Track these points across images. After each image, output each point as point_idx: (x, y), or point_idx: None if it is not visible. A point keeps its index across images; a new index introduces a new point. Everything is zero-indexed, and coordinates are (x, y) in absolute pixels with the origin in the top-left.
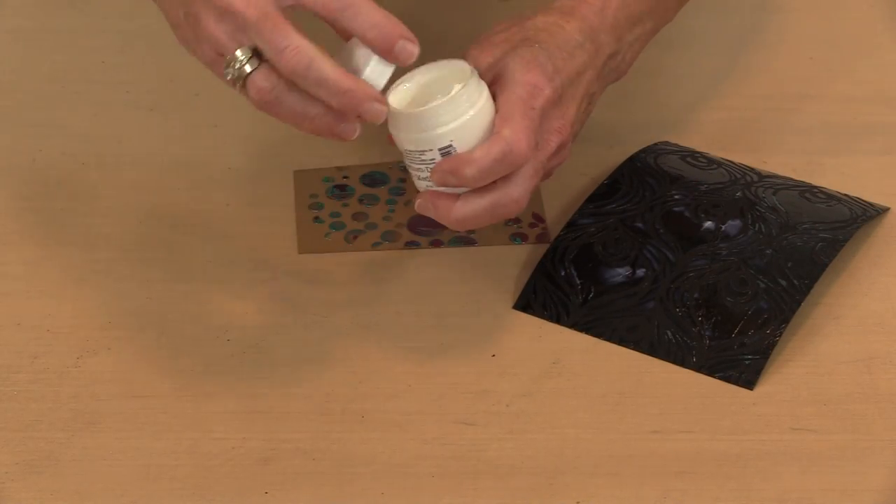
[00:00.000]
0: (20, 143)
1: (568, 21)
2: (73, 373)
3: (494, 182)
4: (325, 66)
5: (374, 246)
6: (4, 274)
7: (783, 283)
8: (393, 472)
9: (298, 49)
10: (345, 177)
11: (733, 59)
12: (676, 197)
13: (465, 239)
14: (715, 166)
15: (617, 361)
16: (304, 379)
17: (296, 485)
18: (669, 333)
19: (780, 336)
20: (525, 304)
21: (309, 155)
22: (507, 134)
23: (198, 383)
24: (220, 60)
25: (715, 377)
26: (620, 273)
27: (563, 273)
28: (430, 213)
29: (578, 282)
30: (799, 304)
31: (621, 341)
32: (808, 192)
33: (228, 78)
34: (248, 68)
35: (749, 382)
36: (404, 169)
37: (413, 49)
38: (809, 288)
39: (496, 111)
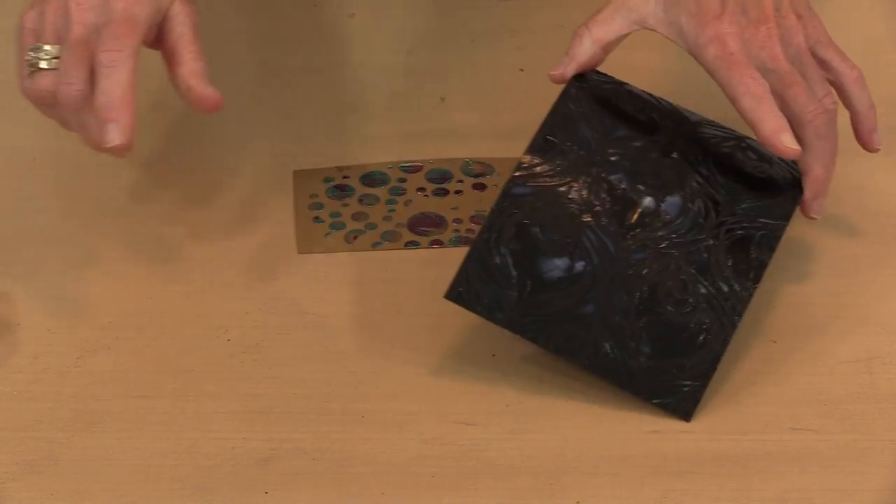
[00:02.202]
0: (20, 143)
1: None
2: (73, 373)
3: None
4: (91, 118)
5: (375, 246)
6: (5, 273)
7: (725, 287)
8: (393, 472)
9: (75, 91)
10: (345, 177)
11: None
12: (613, 159)
13: (464, 239)
14: (647, 111)
15: None
16: (304, 379)
17: (296, 485)
18: (608, 346)
19: (718, 362)
20: (457, 294)
21: (309, 155)
22: (748, 113)
23: (198, 383)
24: (33, 35)
25: (652, 403)
26: (559, 266)
27: (497, 260)
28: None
29: (514, 273)
30: (740, 317)
31: (557, 351)
32: (740, 150)
33: (26, 58)
34: (44, 65)
35: (686, 413)
36: (404, 169)
37: (114, 139)
38: (750, 297)
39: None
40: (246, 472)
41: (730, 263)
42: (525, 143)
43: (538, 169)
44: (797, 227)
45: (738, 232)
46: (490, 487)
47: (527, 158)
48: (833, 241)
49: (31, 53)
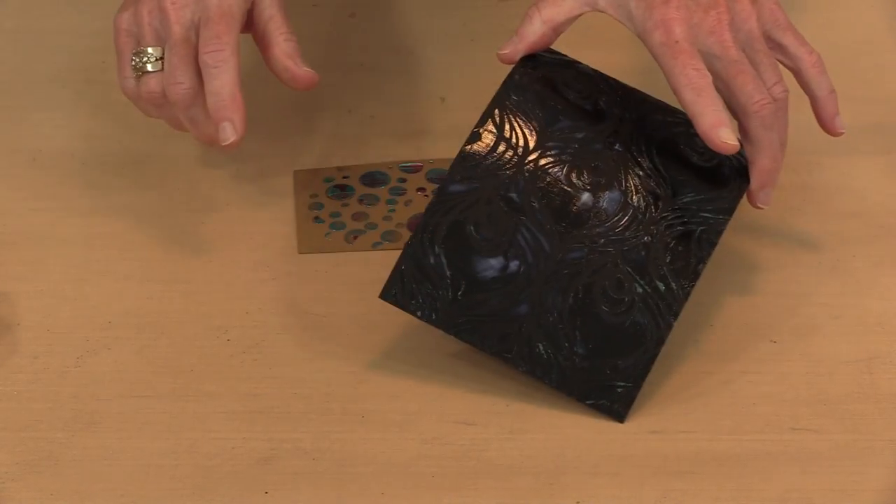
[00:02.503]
0: (20, 143)
1: None
2: (73, 373)
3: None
4: (201, 113)
5: (375, 246)
6: (4, 274)
7: (661, 286)
8: (393, 472)
9: (186, 89)
10: (345, 177)
11: None
12: (553, 152)
13: None
14: (594, 96)
15: None
16: (304, 379)
17: (296, 485)
18: (541, 347)
19: (653, 363)
20: (392, 294)
21: (309, 155)
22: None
23: (198, 383)
24: (130, 36)
25: (586, 404)
26: (493, 266)
27: (432, 260)
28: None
29: (448, 273)
30: (676, 317)
31: (494, 353)
32: (688, 137)
33: (132, 63)
34: (150, 68)
35: (620, 414)
36: (404, 169)
37: (228, 136)
38: (688, 296)
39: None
40: (246, 472)
41: (668, 261)
42: None
43: (474, 163)
44: (797, 228)
45: (678, 228)
46: (490, 487)
47: (465, 152)
48: (832, 242)
49: (136, 58)
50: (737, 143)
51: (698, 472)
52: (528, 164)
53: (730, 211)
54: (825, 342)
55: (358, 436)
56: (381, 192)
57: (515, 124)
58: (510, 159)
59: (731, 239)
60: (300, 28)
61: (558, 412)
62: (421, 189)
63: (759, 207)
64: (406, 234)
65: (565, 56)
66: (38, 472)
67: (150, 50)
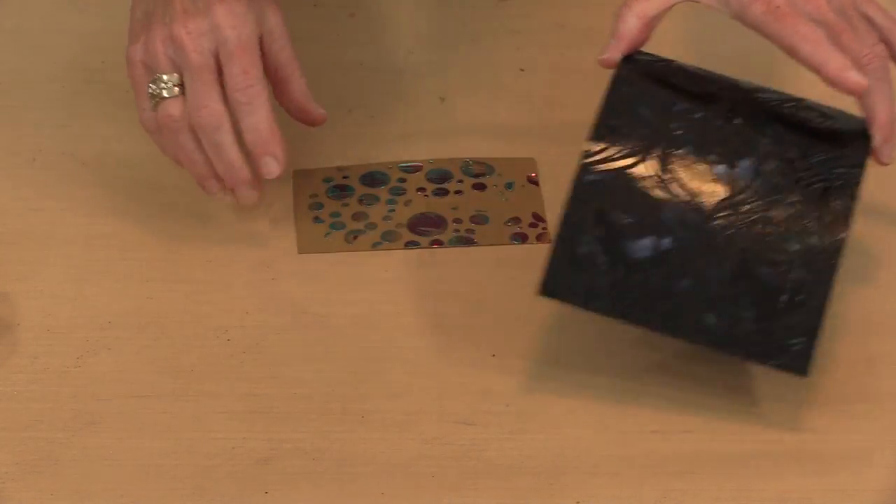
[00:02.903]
0: (20, 143)
1: None
2: (73, 373)
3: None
4: (227, 137)
5: (375, 246)
6: (4, 274)
7: (815, 240)
8: (393, 472)
9: (214, 112)
10: (345, 177)
11: (733, 58)
12: (677, 133)
13: (464, 239)
14: (701, 83)
15: (617, 361)
16: (304, 379)
17: (296, 485)
18: (710, 318)
19: (822, 315)
20: (549, 290)
21: (309, 155)
22: (807, 59)
23: (198, 383)
24: (144, 67)
25: (768, 365)
26: (646, 246)
27: (583, 250)
28: None
29: (603, 259)
30: (836, 268)
31: (659, 330)
32: (801, 110)
33: (149, 91)
34: (175, 91)
35: (802, 370)
36: (404, 169)
37: (274, 169)
38: (843, 246)
39: None
40: (246, 472)
41: (816, 216)
42: (525, 142)
43: (604, 154)
44: None
45: (816, 185)
46: (490, 487)
47: (591, 146)
48: None
49: (153, 86)
50: (867, 81)
51: (698, 472)
52: (655, 147)
53: (861, 165)
54: (825, 342)
55: (358, 436)
56: (381, 192)
57: (633, 114)
58: (636, 146)
59: None
60: (300, 28)
61: (558, 412)
62: (421, 189)
63: (884, 163)
64: (406, 234)
65: (657, 55)
66: (38, 472)
67: (165, 77)
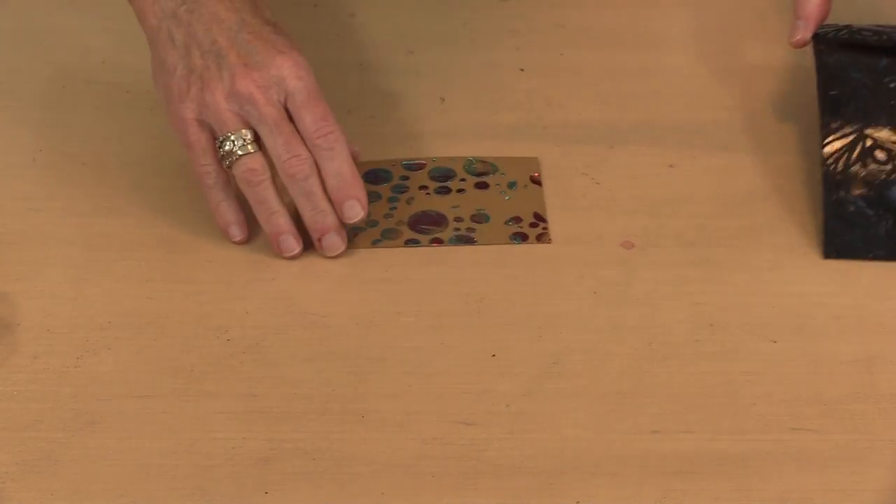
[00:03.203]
0: (20, 143)
1: None
2: (73, 373)
3: None
4: (316, 184)
5: (374, 243)
6: (4, 274)
7: None
8: (393, 472)
9: (305, 160)
10: None
11: (733, 57)
12: (892, 85)
13: (464, 237)
14: (882, 39)
15: (617, 361)
16: (304, 379)
17: (296, 485)
18: None
19: None
20: (834, 251)
21: None
22: None
23: (198, 383)
24: (201, 125)
25: None
26: None
27: (852, 209)
28: None
29: (871, 212)
30: None
31: None
32: None
33: (225, 149)
34: (249, 149)
35: None
36: (407, 167)
37: (357, 213)
38: None
39: None
40: (246, 472)
41: None
42: (525, 142)
43: (840, 123)
44: (796, 228)
45: None
46: (490, 487)
47: (826, 119)
48: None
49: (225, 146)
50: None
51: (698, 472)
52: (879, 103)
53: None
54: (825, 342)
55: (358, 436)
56: (384, 189)
57: (847, 80)
58: (865, 107)
59: (731, 238)
60: (300, 28)
61: (558, 412)
62: (423, 187)
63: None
64: (406, 232)
65: (835, 24)
66: (38, 472)
67: (244, 131)
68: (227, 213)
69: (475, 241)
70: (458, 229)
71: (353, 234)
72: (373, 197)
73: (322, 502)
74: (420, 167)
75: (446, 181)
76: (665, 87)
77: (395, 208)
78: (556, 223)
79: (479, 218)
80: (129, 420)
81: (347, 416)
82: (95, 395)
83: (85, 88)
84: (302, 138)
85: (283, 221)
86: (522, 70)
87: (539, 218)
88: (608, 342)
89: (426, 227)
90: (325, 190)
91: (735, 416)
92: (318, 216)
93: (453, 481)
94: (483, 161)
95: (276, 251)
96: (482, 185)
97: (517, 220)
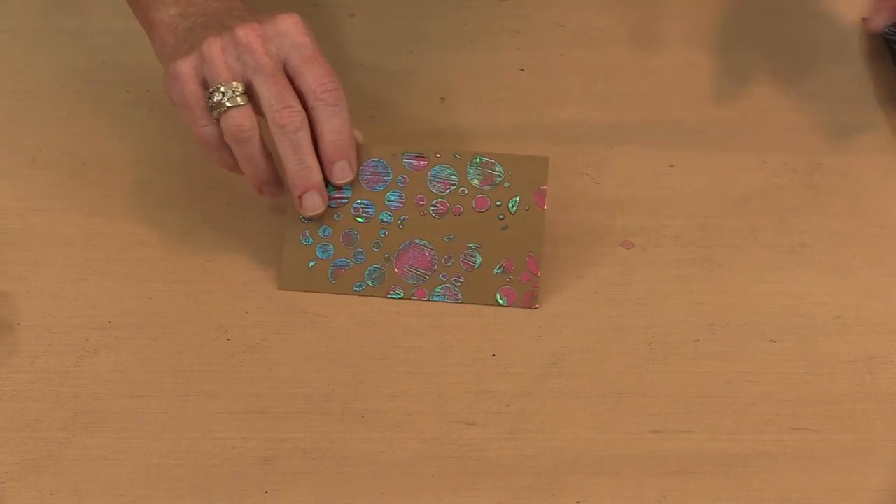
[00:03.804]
0: (20, 143)
1: None
2: (73, 373)
3: None
4: (306, 138)
5: (357, 289)
6: (4, 274)
7: None
8: (393, 472)
9: (297, 112)
10: None
11: (733, 58)
12: None
13: (450, 293)
14: None
15: (617, 361)
16: (304, 379)
17: (296, 485)
18: None
19: None
20: None
21: None
22: None
23: (198, 383)
24: (197, 80)
25: None
26: None
27: None
28: None
29: None
30: None
31: None
32: None
33: (213, 100)
34: (238, 101)
35: None
36: (409, 164)
37: (345, 175)
38: None
39: None
40: (246, 472)
41: None
42: (525, 142)
43: None
44: (796, 227)
45: None
46: (490, 487)
47: None
48: (832, 242)
49: (217, 95)
50: None
51: (698, 472)
52: None
53: None
54: (825, 342)
55: (358, 436)
56: (379, 196)
57: None
58: None
59: (731, 238)
60: None
61: (558, 412)
62: (419, 201)
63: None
64: (391, 276)
65: None
66: (38, 472)
67: (234, 84)
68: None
69: (460, 301)
70: (444, 277)
71: (338, 272)
72: (366, 210)
73: (322, 502)
74: (421, 167)
75: (445, 191)
76: (665, 87)
77: (386, 234)
78: (557, 223)
79: (469, 260)
80: (129, 420)
81: (347, 416)
82: (95, 395)
83: (85, 88)
84: (300, 96)
85: (268, 177)
86: (522, 70)
87: (532, 266)
88: (608, 342)
89: (414, 267)
90: (312, 148)
91: (735, 416)
92: (304, 171)
93: (453, 481)
94: (489, 161)
95: (258, 197)
96: (481, 203)
97: (508, 268)
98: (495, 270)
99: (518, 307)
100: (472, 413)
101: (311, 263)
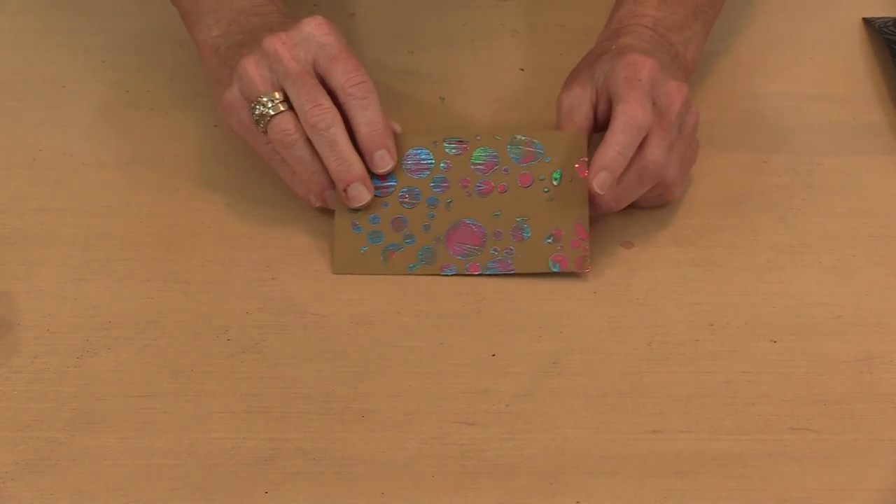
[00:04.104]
0: (20, 143)
1: (628, 34)
2: (73, 373)
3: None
4: (340, 133)
5: (410, 269)
6: (4, 274)
7: None
8: (393, 472)
9: (327, 110)
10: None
11: (733, 58)
12: None
13: (502, 264)
14: None
15: (617, 361)
16: (304, 379)
17: (296, 485)
18: None
19: None
20: None
21: None
22: (620, 108)
23: (198, 383)
24: (246, 102)
25: None
26: None
27: None
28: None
29: None
30: None
31: None
32: None
33: (256, 113)
34: (280, 107)
35: None
36: (449, 148)
37: (386, 163)
38: None
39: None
40: (246, 472)
41: None
42: None
43: None
44: (798, 228)
45: None
46: (490, 487)
47: None
48: (832, 242)
49: (257, 109)
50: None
51: (698, 472)
52: None
53: None
54: (825, 342)
55: (358, 436)
56: (423, 183)
57: None
58: None
59: (731, 238)
60: None
61: (558, 412)
62: (464, 183)
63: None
64: (443, 253)
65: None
66: (38, 472)
67: (265, 97)
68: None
69: (513, 270)
70: (496, 251)
71: (390, 254)
72: (412, 197)
73: (322, 502)
74: (463, 150)
75: (488, 172)
76: None
77: (434, 216)
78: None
79: (519, 232)
80: (129, 420)
81: (347, 416)
82: (95, 394)
83: (85, 88)
84: (330, 93)
85: (324, 179)
86: (522, 70)
87: (581, 233)
88: (608, 342)
89: (465, 244)
90: (349, 141)
91: (735, 416)
92: (343, 166)
93: (453, 481)
94: (528, 139)
95: (322, 204)
96: (525, 179)
97: (557, 235)
98: (545, 240)
99: (571, 271)
100: (472, 413)
101: (364, 249)
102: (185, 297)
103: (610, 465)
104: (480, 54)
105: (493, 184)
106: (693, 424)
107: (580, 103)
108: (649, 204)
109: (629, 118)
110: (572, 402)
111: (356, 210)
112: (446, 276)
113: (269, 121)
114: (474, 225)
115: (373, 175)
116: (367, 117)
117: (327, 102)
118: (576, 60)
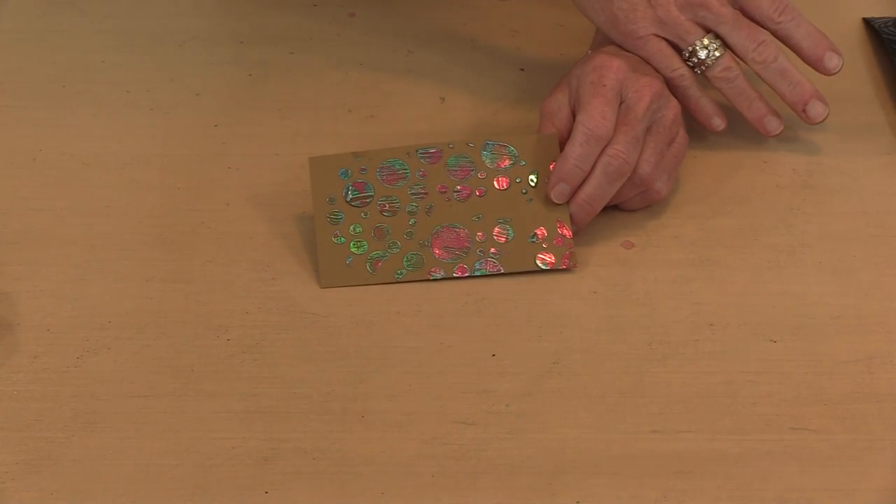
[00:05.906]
0: (20, 143)
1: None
2: (73, 373)
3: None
4: (785, 60)
5: (398, 276)
6: (4, 274)
7: None
8: (393, 472)
9: (770, 44)
10: (362, 169)
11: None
12: None
13: (490, 264)
14: None
15: (617, 361)
16: (304, 379)
17: (296, 485)
18: None
19: None
20: None
21: (308, 155)
22: (579, 118)
23: (198, 383)
24: (654, 38)
25: None
26: None
27: None
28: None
29: None
30: None
31: None
32: None
33: (699, 56)
34: (720, 52)
35: None
36: (423, 155)
37: (838, 62)
38: None
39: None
40: (246, 472)
41: None
42: None
43: None
44: (798, 228)
45: None
46: (490, 487)
47: None
48: (832, 242)
49: (701, 53)
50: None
51: (698, 472)
52: None
53: None
54: (825, 342)
55: (358, 436)
56: (402, 192)
57: None
58: None
59: (731, 238)
60: (300, 28)
61: (558, 412)
62: (442, 189)
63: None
64: (429, 258)
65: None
66: (38, 472)
67: (709, 38)
68: (708, 106)
69: (501, 271)
70: (482, 253)
71: (376, 264)
72: (392, 205)
73: (322, 502)
74: (437, 158)
75: (465, 177)
76: None
77: (416, 223)
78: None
79: (502, 234)
80: (129, 420)
81: (347, 416)
82: (95, 394)
83: (85, 88)
84: (759, 24)
85: (763, 105)
86: (522, 70)
87: (563, 227)
88: (608, 342)
89: (450, 247)
90: (793, 65)
91: (735, 416)
92: (797, 89)
93: (453, 481)
94: (501, 144)
95: (763, 133)
96: (502, 183)
97: (541, 236)
98: (529, 239)
99: (558, 269)
100: (472, 413)
101: (349, 260)
102: (185, 297)
103: (610, 465)
104: (480, 54)
105: (471, 188)
106: (693, 424)
107: (560, 108)
108: (635, 205)
109: (587, 129)
110: (572, 402)
111: (335, 223)
112: (435, 280)
113: (713, 63)
114: (457, 228)
115: (351, 189)
116: (804, 32)
117: (767, 37)
118: (576, 60)
